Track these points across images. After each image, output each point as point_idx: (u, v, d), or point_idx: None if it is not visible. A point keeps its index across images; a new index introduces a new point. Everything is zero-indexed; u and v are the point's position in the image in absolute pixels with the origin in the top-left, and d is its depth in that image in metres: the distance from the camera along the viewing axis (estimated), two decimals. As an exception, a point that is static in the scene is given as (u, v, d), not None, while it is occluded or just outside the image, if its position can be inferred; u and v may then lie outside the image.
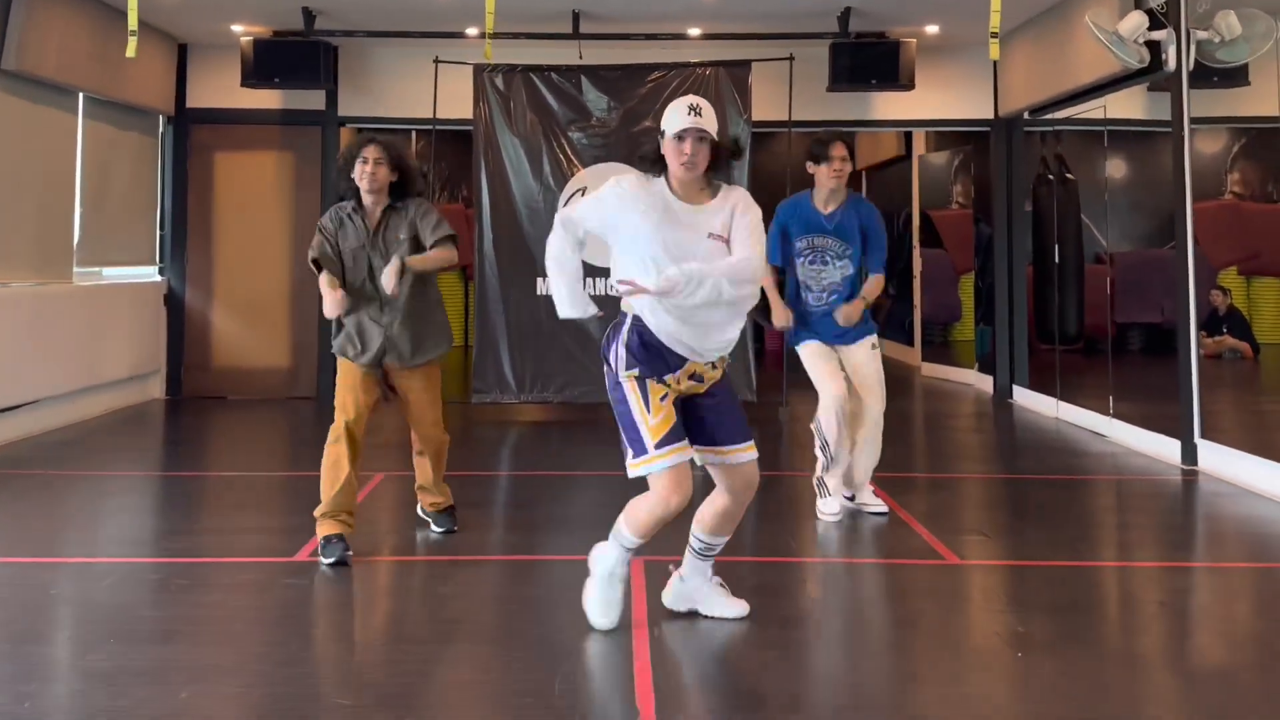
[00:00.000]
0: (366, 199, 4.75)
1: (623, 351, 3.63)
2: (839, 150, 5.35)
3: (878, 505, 5.43)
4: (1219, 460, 6.38)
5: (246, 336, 9.63)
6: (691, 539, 3.85)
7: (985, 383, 9.86)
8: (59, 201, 8.10)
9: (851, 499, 5.49)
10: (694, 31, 8.89)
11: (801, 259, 5.41)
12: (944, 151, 11.40)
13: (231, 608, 4.07)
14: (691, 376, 3.66)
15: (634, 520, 3.68)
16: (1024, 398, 9.16)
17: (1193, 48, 6.64)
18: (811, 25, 8.55)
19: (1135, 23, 6.78)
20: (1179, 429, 6.72)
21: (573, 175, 8.46)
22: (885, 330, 13.32)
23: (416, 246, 4.74)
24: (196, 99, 9.59)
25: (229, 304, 9.63)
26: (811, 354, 5.40)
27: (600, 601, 3.77)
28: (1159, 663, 3.64)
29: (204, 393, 9.55)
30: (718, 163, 3.68)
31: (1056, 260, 8.74)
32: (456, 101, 8.74)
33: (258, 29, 8.90)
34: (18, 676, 3.36)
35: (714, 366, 3.70)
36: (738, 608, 3.88)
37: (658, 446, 3.55)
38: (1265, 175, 6.68)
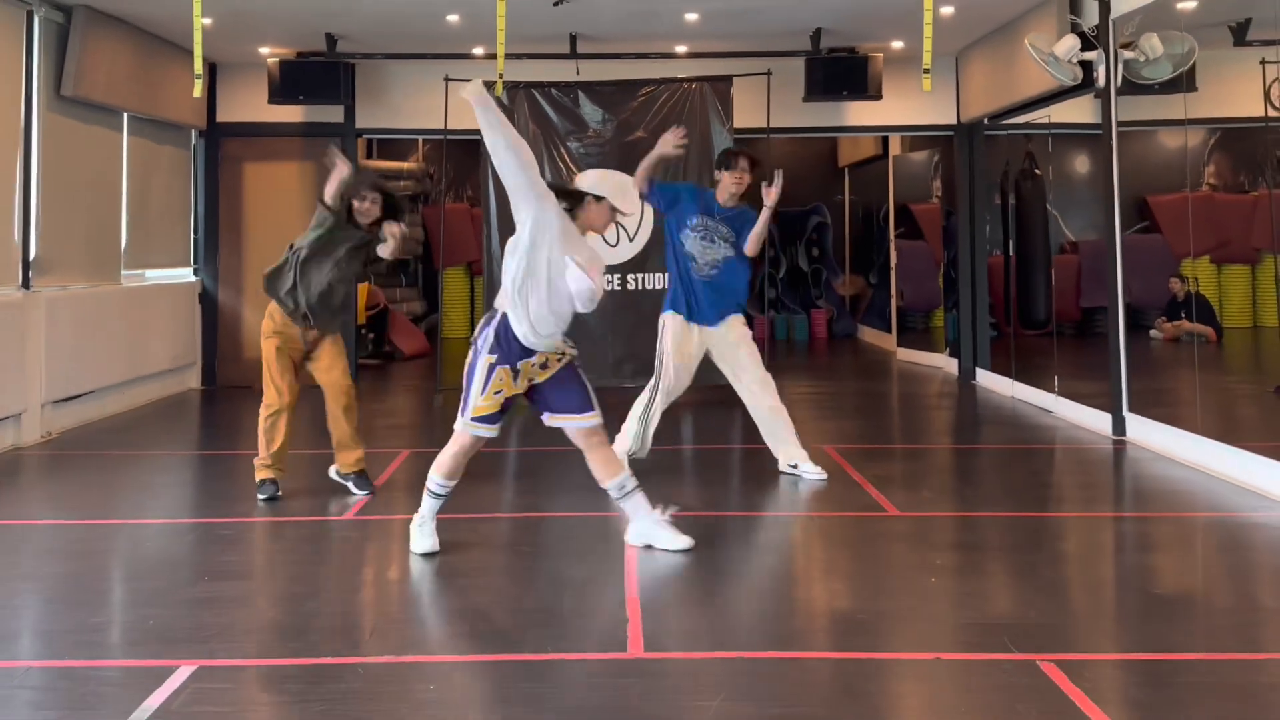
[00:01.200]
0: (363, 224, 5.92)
1: (490, 338, 4.62)
2: (742, 163, 6.41)
3: (817, 471, 6.27)
4: (1145, 431, 7.25)
5: (274, 331, 10.48)
6: (609, 492, 4.88)
7: (953, 366, 10.74)
8: (108, 211, 8.98)
9: (795, 467, 6.35)
10: (681, 49, 9.78)
11: (694, 234, 6.36)
12: (924, 151, 12.26)
13: (300, 553, 4.98)
14: (543, 365, 4.67)
15: (441, 466, 4.75)
16: (985, 379, 10.04)
17: (1120, 66, 7.49)
18: (787, 43, 9.43)
19: (1069, 44, 7.63)
20: (1110, 405, 7.60)
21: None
22: (865, 318, 14.24)
23: (367, 248, 5.95)
24: (226, 114, 10.46)
25: (257, 301, 10.48)
26: (674, 330, 6.31)
27: (426, 536, 4.80)
28: (1051, 584, 4.51)
29: (235, 383, 10.43)
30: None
31: (1019, 250, 9.60)
32: (464, 114, 9.52)
33: (283, 51, 9.77)
34: (137, 603, 4.26)
35: (560, 356, 4.72)
36: (681, 540, 4.81)
37: (473, 420, 4.66)
38: (1236, 169, 7.50)
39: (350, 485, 6.03)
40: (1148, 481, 6.35)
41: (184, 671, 3.51)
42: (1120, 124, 7.60)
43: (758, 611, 4.18)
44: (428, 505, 4.82)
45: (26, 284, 7.79)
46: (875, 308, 13.97)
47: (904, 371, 11.31)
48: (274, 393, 5.95)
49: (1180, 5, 7.03)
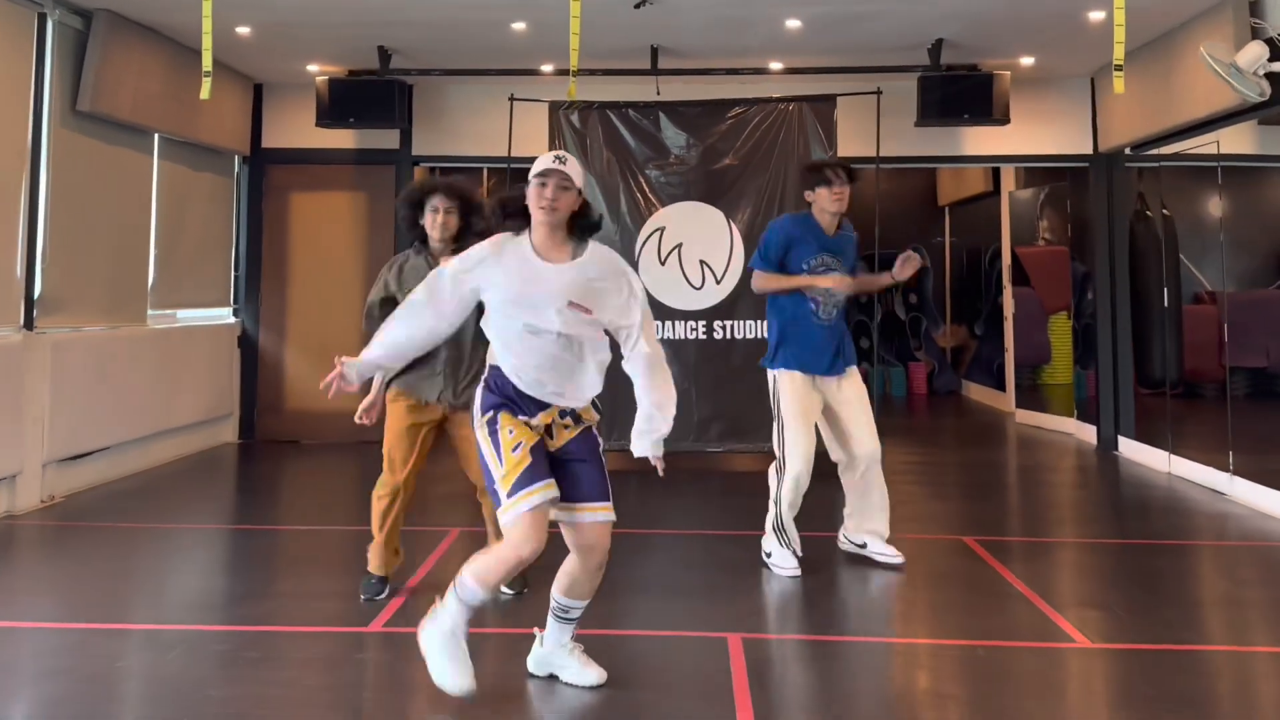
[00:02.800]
0: (434, 246, 4.72)
1: (479, 397, 3.59)
2: (840, 174, 5.33)
3: (893, 556, 5.25)
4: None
5: (320, 379, 9.39)
6: (551, 600, 3.71)
7: (1086, 432, 9.36)
8: (134, 243, 8.00)
9: (862, 546, 5.34)
10: (776, 65, 8.60)
11: (817, 275, 5.28)
12: (1030, 188, 10.98)
13: (303, 687, 3.79)
14: (548, 426, 3.53)
15: (483, 571, 3.47)
16: (1130, 449, 8.65)
17: (1319, 79, 6.21)
18: (900, 58, 8.23)
19: (1255, 54, 6.35)
20: (1309, 487, 6.24)
21: (651, 214, 8.19)
22: (970, 373, 12.88)
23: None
24: (272, 139, 9.50)
25: (302, 345, 9.49)
26: (793, 390, 5.24)
27: (453, 663, 3.51)
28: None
29: (277, 436, 9.40)
30: (585, 224, 3.59)
31: (1165, 300, 8.28)
32: (532, 139, 8.52)
33: (333, 69, 8.79)
34: (73, 770, 3.11)
35: (576, 419, 3.56)
36: (594, 675, 3.70)
37: (509, 494, 3.43)
38: None
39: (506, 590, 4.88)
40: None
41: None
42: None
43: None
44: (455, 614, 3.55)
45: (29, 324, 6.79)
46: (980, 361, 12.61)
47: (1027, 437, 9.90)
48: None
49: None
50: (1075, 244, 9.79)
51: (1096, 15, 7.15)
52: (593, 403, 3.60)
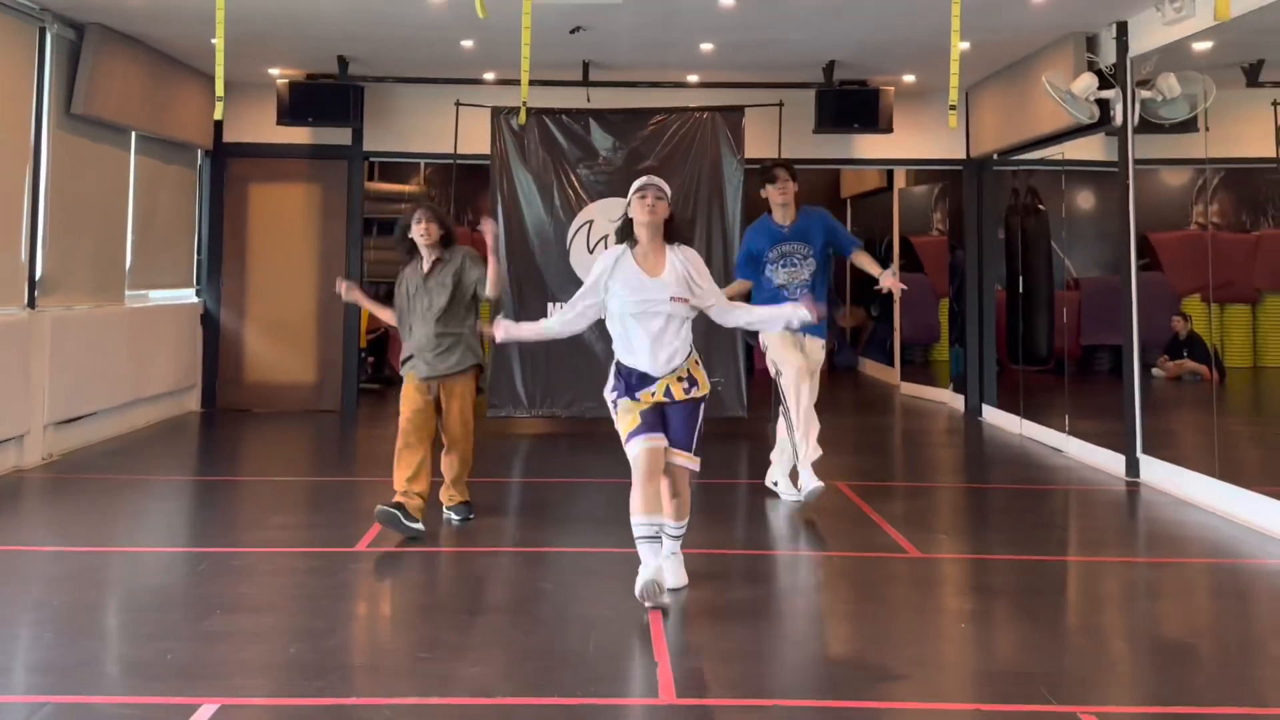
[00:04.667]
0: (423, 252, 5.90)
1: (611, 381, 4.73)
2: (781, 173, 6.53)
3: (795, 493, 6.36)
4: (1159, 473, 7.20)
5: (275, 354, 10.41)
6: None
7: (958, 401, 10.70)
8: (113, 231, 8.90)
9: (775, 484, 6.54)
10: (693, 79, 9.76)
11: (774, 265, 6.48)
12: (925, 184, 12.26)
13: (313, 586, 4.87)
14: (665, 392, 4.61)
15: (631, 506, 4.58)
16: (992, 415, 10.00)
17: (1137, 105, 7.50)
18: (799, 75, 9.42)
19: (1086, 83, 7.64)
20: (1124, 445, 7.55)
21: (581, 209, 9.29)
22: (866, 350, 14.21)
23: (456, 286, 5.88)
24: (233, 134, 10.39)
25: (260, 323, 10.42)
26: (780, 341, 6.35)
27: (645, 578, 4.53)
28: (1091, 634, 4.45)
29: (236, 406, 10.33)
30: (670, 231, 4.73)
31: (1025, 285, 9.58)
32: (474, 139, 9.57)
33: (293, 72, 9.73)
34: (154, 636, 4.16)
35: (682, 384, 4.65)
36: (673, 579, 4.74)
37: (627, 440, 4.62)
38: (1238, 208, 7.49)
39: (452, 516, 6.07)
40: (1164, 525, 6.29)
41: (207, 710, 3.42)
42: (1136, 162, 7.59)
43: (788, 658, 4.11)
44: (647, 552, 4.54)
45: (32, 303, 7.69)
46: (877, 340, 13.94)
47: (908, 406, 11.26)
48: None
49: (1196, 46, 7.04)
50: (953, 234, 11.11)
51: (962, 45, 8.38)
52: (712, 383, 4.84)
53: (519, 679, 3.78)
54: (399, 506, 5.60)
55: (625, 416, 4.64)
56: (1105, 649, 4.25)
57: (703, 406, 4.73)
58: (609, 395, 4.73)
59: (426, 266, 5.91)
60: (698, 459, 4.70)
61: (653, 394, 4.63)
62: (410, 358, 5.94)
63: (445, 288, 5.85)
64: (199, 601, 4.64)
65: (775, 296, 6.36)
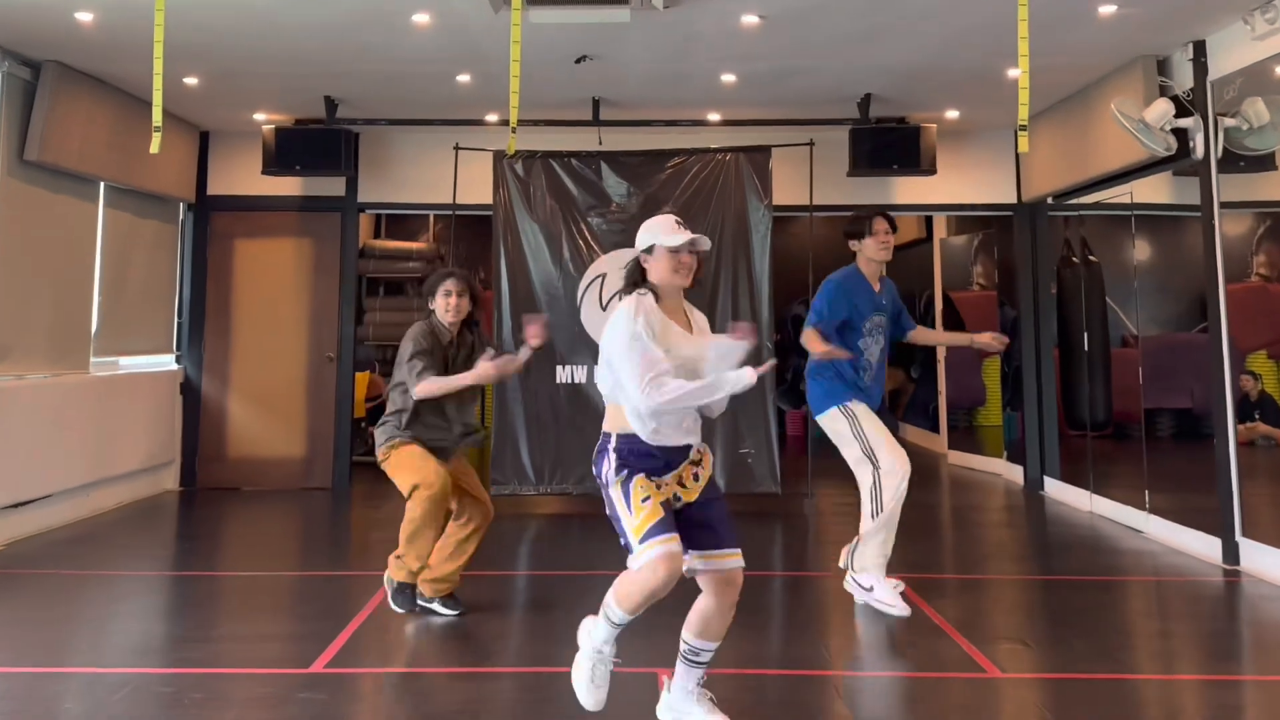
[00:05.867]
0: (450, 326, 5.38)
1: (613, 459, 3.63)
2: (883, 224, 5.48)
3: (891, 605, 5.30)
4: (1261, 559, 6.17)
5: (262, 426, 9.52)
6: (681, 644, 3.76)
7: (1014, 472, 9.65)
8: (78, 291, 8.05)
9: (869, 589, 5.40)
10: (714, 117, 8.88)
11: (866, 338, 5.44)
12: (964, 234, 11.33)
13: (243, 729, 3.90)
14: (680, 481, 3.65)
15: (624, 595, 3.54)
16: (1055, 489, 8.94)
17: (1221, 135, 6.56)
18: (832, 111, 8.54)
19: (1161, 110, 6.72)
20: (1218, 525, 6.52)
21: (593, 261, 8.40)
22: (907, 415, 13.18)
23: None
24: (217, 186, 9.60)
25: (245, 393, 9.54)
26: (866, 414, 5.36)
27: (589, 680, 3.66)
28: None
29: (218, 484, 9.42)
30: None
31: (1085, 344, 8.60)
32: (476, 186, 8.74)
33: (279, 117, 8.94)
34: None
35: (697, 470, 3.68)
36: None
37: (641, 541, 3.50)
38: None
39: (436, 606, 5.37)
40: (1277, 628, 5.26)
41: None
42: (1222, 204, 6.64)
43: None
44: (602, 634, 3.67)
45: (-28, 372, 6.84)
46: (918, 404, 12.92)
47: (958, 478, 10.18)
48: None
49: (1278, 69, 6.12)
50: (1003, 289, 10.14)
51: (1014, 72, 7.49)
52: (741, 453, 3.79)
53: None
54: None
55: (641, 505, 3.54)
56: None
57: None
58: (609, 473, 3.64)
59: (455, 341, 5.43)
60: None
61: (669, 483, 3.65)
62: (424, 427, 5.35)
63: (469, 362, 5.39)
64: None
65: (857, 375, 5.42)
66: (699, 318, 3.81)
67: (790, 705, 4.11)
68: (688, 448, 3.66)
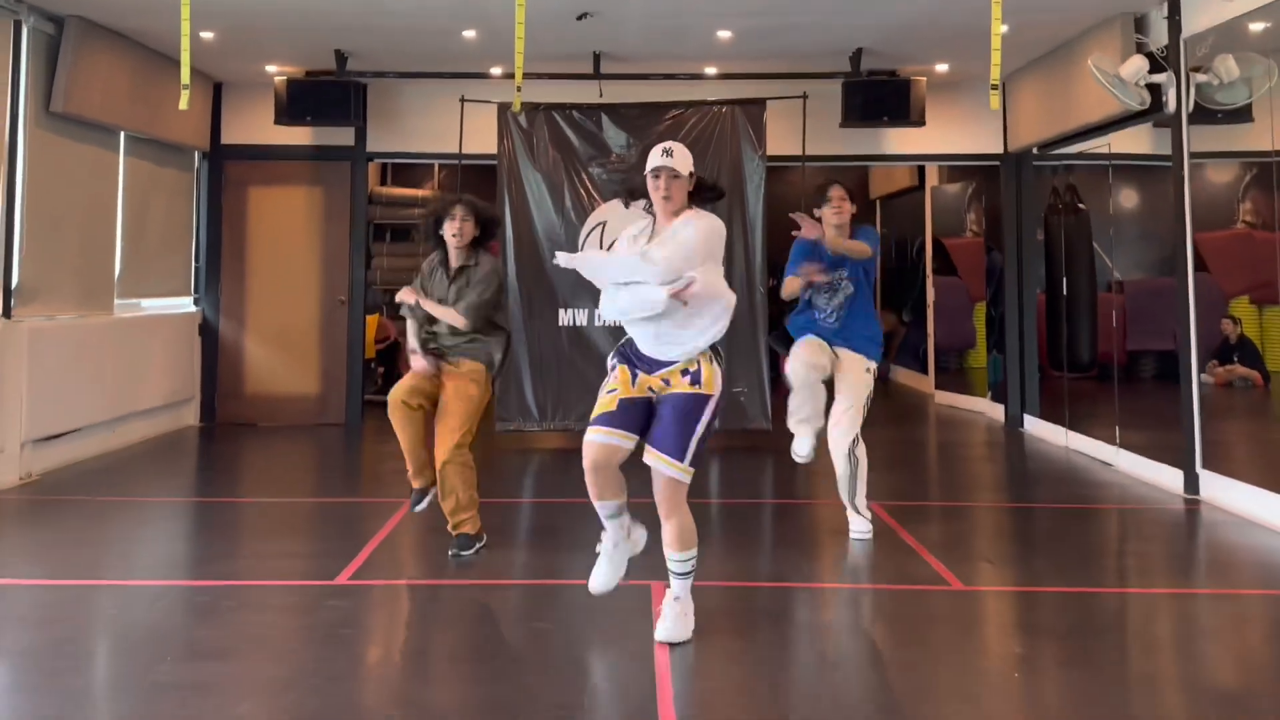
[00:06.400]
0: (452, 252, 5.43)
1: (614, 351, 4.30)
2: (836, 192, 5.86)
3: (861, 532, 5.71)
4: (1221, 490, 6.59)
5: (277, 365, 9.94)
6: None
7: (997, 411, 10.08)
8: (102, 236, 8.43)
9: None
10: (711, 71, 9.20)
11: (815, 290, 5.77)
12: (958, 182, 11.65)
13: (281, 628, 4.35)
14: (665, 381, 4.12)
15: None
16: (1034, 426, 9.38)
17: (1193, 90, 6.89)
18: (824, 64, 8.85)
19: (1136, 66, 7.05)
20: (1182, 459, 6.94)
21: (593, 209, 8.75)
22: (899, 357, 13.59)
23: None
24: (231, 136, 9.93)
25: (260, 333, 9.94)
26: (802, 345, 5.80)
27: (599, 566, 4.35)
28: (1155, 683, 3.86)
29: (236, 419, 9.85)
30: (700, 196, 4.28)
31: (1066, 288, 8.97)
32: (481, 137, 9.06)
33: (291, 69, 9.25)
34: (92, 690, 3.64)
35: (686, 377, 4.11)
36: (677, 632, 4.12)
37: (590, 422, 4.15)
38: (1276, 205, 6.89)
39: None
40: (1232, 551, 5.70)
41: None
42: (1191, 155, 6.99)
43: (812, 712, 3.53)
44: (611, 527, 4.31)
45: (7, 313, 7.22)
46: (909, 347, 13.32)
47: (944, 416, 10.63)
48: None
49: (1253, 26, 6.43)
50: (990, 235, 10.50)
51: (1000, 28, 7.79)
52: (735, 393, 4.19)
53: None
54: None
55: (604, 394, 4.18)
56: (1167, 700, 3.66)
57: (708, 411, 4.11)
58: (610, 360, 4.30)
59: (453, 272, 5.44)
60: (685, 468, 4.05)
61: (650, 379, 4.14)
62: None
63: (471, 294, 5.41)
64: (151, 646, 4.12)
65: (809, 323, 5.85)
66: (681, 228, 4.12)
67: (773, 613, 4.55)
68: (663, 362, 4.10)
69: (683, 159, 4.19)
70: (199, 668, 3.87)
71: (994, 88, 5.16)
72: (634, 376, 4.13)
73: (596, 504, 4.21)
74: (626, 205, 4.43)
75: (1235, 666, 4.07)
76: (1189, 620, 4.61)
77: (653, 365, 4.12)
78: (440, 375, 5.44)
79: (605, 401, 4.13)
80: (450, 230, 5.39)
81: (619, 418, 4.08)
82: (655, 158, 4.19)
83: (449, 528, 5.38)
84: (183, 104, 5.63)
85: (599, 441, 4.09)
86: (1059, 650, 4.09)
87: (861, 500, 5.74)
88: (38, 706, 3.55)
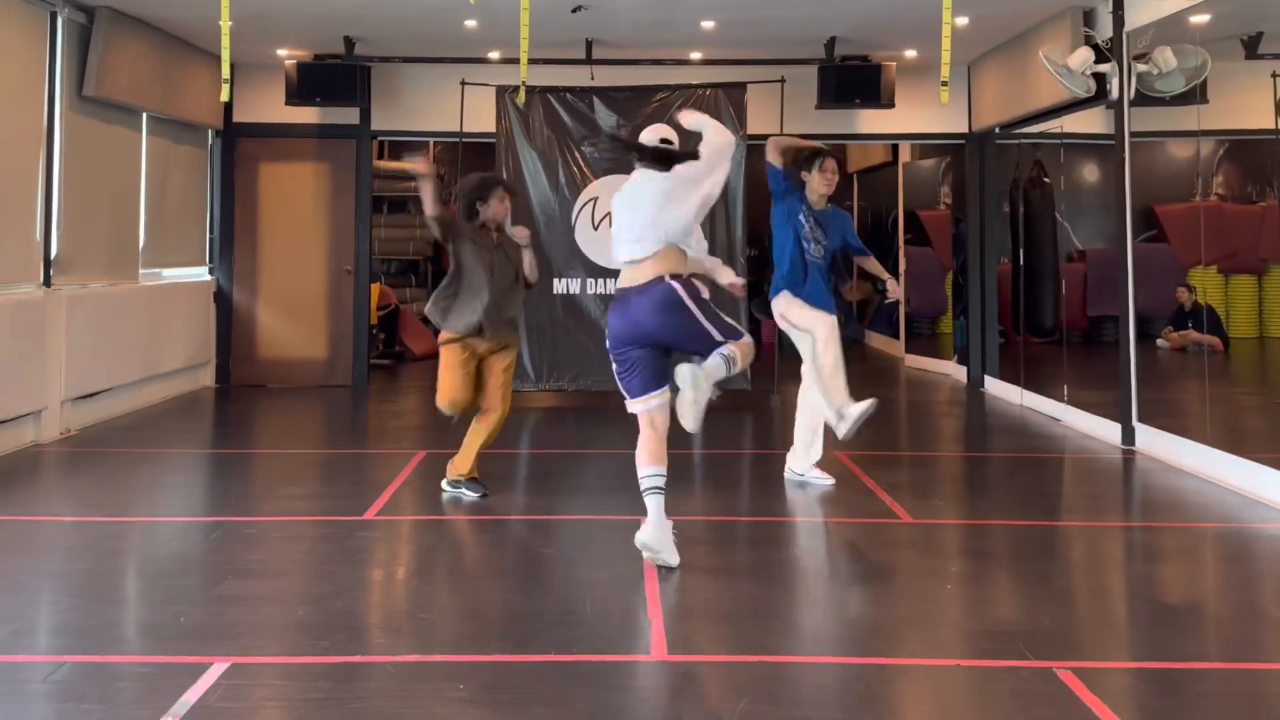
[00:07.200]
0: (491, 224, 5.97)
1: (685, 288, 4.79)
2: (831, 163, 6.42)
3: (821, 477, 6.37)
4: (1155, 442, 7.31)
5: (287, 330, 10.59)
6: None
7: (961, 373, 10.80)
8: (127, 210, 9.05)
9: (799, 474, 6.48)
10: (695, 56, 9.85)
11: (808, 223, 6.35)
12: (932, 158, 12.32)
13: (322, 553, 5.05)
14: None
15: (745, 353, 4.77)
16: (994, 387, 10.11)
17: (1134, 79, 7.57)
18: (801, 51, 9.50)
19: (1083, 57, 7.71)
20: (1120, 414, 7.67)
21: (585, 186, 9.41)
22: (872, 324, 14.31)
23: (518, 267, 6.07)
24: (243, 115, 10.53)
25: (271, 300, 10.59)
26: (797, 303, 6.33)
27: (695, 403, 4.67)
28: (1066, 592, 4.59)
29: (249, 381, 10.51)
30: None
31: (1030, 257, 9.66)
32: (479, 117, 9.68)
33: (301, 53, 9.85)
34: (168, 600, 4.34)
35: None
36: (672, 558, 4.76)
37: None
38: (1245, 179, 7.55)
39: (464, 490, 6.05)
40: (1157, 492, 6.43)
41: (218, 668, 3.59)
42: (1132, 135, 7.67)
43: (778, 617, 4.25)
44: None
45: (48, 282, 7.86)
46: (883, 313, 14.03)
47: (912, 378, 11.38)
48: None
49: (1193, 19, 7.09)
50: (957, 208, 11.19)
51: (961, 20, 8.46)
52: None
53: (514, 638, 3.94)
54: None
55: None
56: (1091, 609, 4.39)
57: (685, 299, 4.71)
58: (690, 294, 4.79)
59: (494, 237, 5.95)
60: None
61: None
62: (462, 317, 5.87)
63: (512, 264, 5.97)
64: (212, 567, 4.82)
65: (797, 248, 6.31)
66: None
67: (751, 541, 5.28)
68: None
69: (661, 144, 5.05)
70: (258, 583, 4.57)
71: (943, 84, 5.81)
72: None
73: (650, 470, 4.73)
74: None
75: (1152, 585, 4.80)
76: (1112, 547, 5.34)
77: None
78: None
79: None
80: (499, 210, 5.93)
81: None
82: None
83: (465, 474, 6.03)
84: (224, 96, 6.27)
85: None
86: (992, 570, 4.82)
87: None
88: (121, 613, 4.25)
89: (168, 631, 4.00)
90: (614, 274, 9.26)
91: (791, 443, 6.49)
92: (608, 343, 4.89)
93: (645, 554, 4.69)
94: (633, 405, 4.84)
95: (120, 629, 4.11)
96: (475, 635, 3.97)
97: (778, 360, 9.65)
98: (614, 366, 4.86)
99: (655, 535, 4.68)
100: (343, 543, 5.19)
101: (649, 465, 4.74)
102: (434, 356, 12.97)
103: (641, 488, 4.77)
